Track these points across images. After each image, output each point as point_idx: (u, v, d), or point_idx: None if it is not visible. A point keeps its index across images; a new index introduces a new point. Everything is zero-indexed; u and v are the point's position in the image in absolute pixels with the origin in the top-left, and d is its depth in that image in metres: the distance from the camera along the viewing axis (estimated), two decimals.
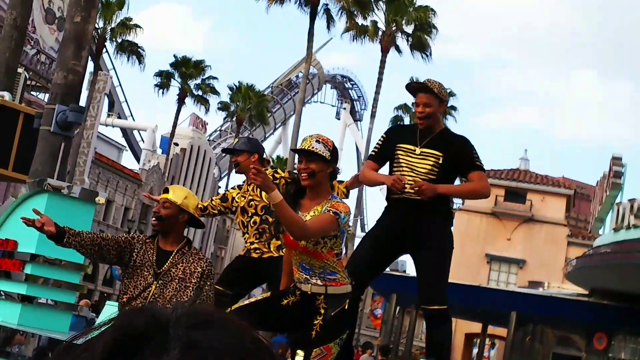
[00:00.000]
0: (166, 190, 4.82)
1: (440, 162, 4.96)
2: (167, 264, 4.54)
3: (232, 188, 6.00)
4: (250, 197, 5.79)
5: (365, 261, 5.07)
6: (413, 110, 41.69)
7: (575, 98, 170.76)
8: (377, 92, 37.37)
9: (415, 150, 5.02)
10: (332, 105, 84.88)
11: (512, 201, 36.80)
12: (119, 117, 48.97)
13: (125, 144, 51.04)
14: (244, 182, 5.94)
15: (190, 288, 4.51)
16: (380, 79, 37.01)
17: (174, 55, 44.12)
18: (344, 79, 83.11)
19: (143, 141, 50.24)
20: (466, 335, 32.05)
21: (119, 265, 4.70)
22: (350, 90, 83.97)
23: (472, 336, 32.06)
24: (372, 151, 5.25)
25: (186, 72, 43.64)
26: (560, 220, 35.30)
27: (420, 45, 37.13)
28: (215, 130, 65.56)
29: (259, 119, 49.59)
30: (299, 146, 4.52)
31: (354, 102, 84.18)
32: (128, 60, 39.01)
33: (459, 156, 5.01)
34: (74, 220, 7.64)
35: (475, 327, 28.65)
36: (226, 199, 5.87)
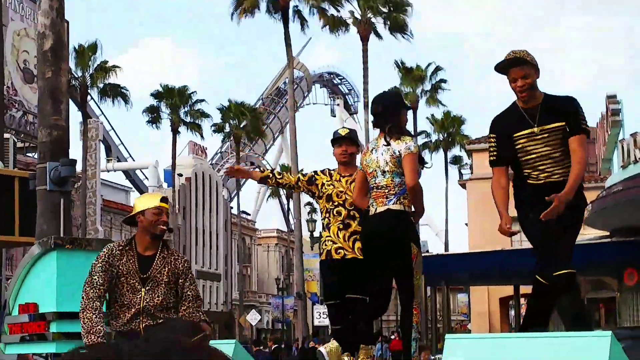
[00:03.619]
0: (164, 200, 4.99)
1: (567, 131, 4.67)
2: (151, 269, 4.77)
3: (321, 171, 5.98)
4: (340, 189, 5.83)
5: None
6: (404, 92, 41.43)
7: (569, 46, 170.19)
8: (365, 82, 37.38)
9: (534, 132, 4.73)
10: (325, 104, 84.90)
11: None
12: (119, 160, 49.15)
13: (130, 185, 51.23)
14: (334, 169, 5.97)
15: (175, 289, 4.79)
16: (365, 68, 37.02)
17: (158, 90, 44.28)
18: (332, 76, 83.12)
19: (147, 179, 50.42)
20: (500, 299, 32.01)
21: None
22: (340, 86, 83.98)
23: (506, 299, 32.00)
24: (491, 156, 4.95)
25: (173, 102, 43.76)
26: None
27: (398, 27, 37.09)
28: (217, 153, 65.73)
29: (256, 133, 49.65)
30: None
31: (346, 97, 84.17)
32: (113, 103, 39.15)
33: (568, 119, 4.67)
34: (87, 272, 7.76)
35: (508, 290, 28.62)
36: (312, 182, 5.91)
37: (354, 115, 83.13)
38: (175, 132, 44.06)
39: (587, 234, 22.77)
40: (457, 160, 47.94)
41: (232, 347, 5.97)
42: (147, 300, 4.73)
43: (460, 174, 42.98)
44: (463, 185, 37.67)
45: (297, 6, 35.04)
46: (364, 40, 36.65)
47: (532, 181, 4.74)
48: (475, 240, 32.41)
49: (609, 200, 18.56)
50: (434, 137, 47.00)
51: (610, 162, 22.39)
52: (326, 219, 5.80)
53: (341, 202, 5.76)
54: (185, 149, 53.12)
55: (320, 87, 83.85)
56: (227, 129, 47.28)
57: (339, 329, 5.62)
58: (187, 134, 47.73)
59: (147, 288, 4.74)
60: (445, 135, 46.09)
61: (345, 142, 5.87)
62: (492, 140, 4.85)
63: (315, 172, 5.96)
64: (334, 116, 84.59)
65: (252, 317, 33.99)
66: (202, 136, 46.50)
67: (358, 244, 5.61)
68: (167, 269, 4.78)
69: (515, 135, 4.71)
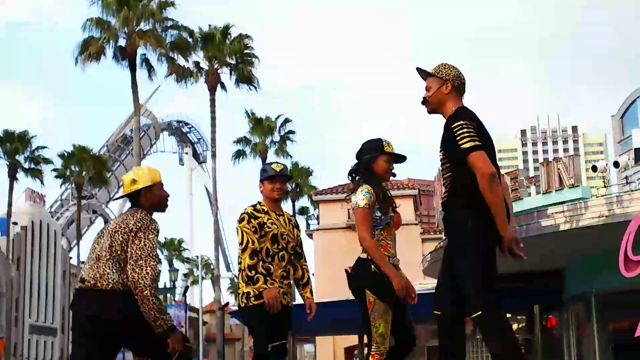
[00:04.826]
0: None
1: (446, 160, 4.35)
2: None
3: (253, 210, 5.42)
4: (282, 230, 5.43)
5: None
6: (253, 142, 41.73)
7: (412, 104, 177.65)
8: (213, 132, 37.28)
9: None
10: (174, 152, 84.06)
11: None
12: None
13: None
14: (260, 204, 5.49)
15: None
16: (213, 118, 36.96)
17: None
18: (181, 124, 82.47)
19: None
20: (345, 349, 32.42)
21: None
22: (188, 134, 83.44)
23: (351, 349, 32.44)
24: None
25: (12, 147, 41.82)
26: (411, 220, 36.47)
27: (245, 78, 37.39)
28: (56, 201, 63.19)
29: (100, 181, 48.26)
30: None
31: (195, 145, 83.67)
32: None
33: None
34: None
35: (353, 339, 29.03)
36: (257, 230, 5.35)
37: (203, 165, 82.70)
38: (12, 178, 41.96)
39: (427, 284, 23.56)
40: (304, 210, 48.54)
41: None
42: None
43: (308, 225, 43.51)
44: (310, 236, 38.14)
45: (144, 54, 34.52)
46: (212, 90, 36.66)
47: None
48: (322, 290, 32.76)
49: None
50: None
51: None
52: (267, 263, 5.34)
53: (284, 245, 5.42)
54: (22, 197, 50.62)
55: (169, 135, 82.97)
56: (70, 175, 45.66)
57: None
58: (26, 182, 45.47)
59: None
60: (294, 186, 46.68)
61: (280, 179, 5.54)
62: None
63: (251, 216, 5.41)
64: (182, 164, 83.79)
65: None
66: (42, 182, 44.52)
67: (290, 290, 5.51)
68: None
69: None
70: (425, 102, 4.46)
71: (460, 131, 4.19)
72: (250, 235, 5.32)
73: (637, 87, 28.83)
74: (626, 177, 16.17)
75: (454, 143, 4.22)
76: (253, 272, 5.27)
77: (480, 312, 4.11)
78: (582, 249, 15.87)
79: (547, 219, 15.00)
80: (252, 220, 5.36)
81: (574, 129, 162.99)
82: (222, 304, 35.16)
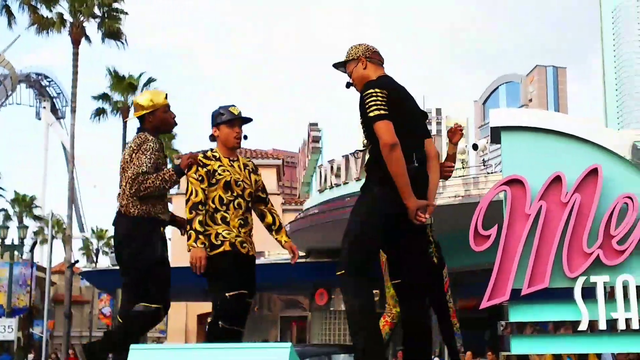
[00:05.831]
0: (166, 96, 5.20)
1: (364, 129, 4.35)
2: None
3: (204, 157, 5.02)
4: (237, 176, 5.03)
5: None
6: (114, 99, 40.27)
7: (273, 72, 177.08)
8: (74, 87, 35.85)
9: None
10: (31, 106, 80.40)
11: None
12: None
13: None
14: (212, 150, 5.10)
15: None
16: (75, 72, 35.48)
17: None
18: (40, 77, 78.82)
19: None
20: (198, 316, 32.06)
21: None
22: (48, 88, 79.90)
23: (204, 316, 32.15)
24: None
25: None
26: (273, 190, 36.38)
27: (113, 34, 36.12)
28: None
29: None
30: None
31: (54, 100, 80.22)
32: None
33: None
34: None
35: (207, 306, 28.77)
36: (203, 180, 4.95)
37: (61, 120, 79.47)
38: None
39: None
40: None
41: None
42: None
43: None
44: (169, 200, 37.40)
45: (5, 1, 32.46)
46: (75, 43, 35.12)
47: None
48: (177, 255, 32.32)
49: (306, 222, 19.33)
50: None
51: (309, 185, 23.46)
52: (222, 212, 4.96)
53: (240, 193, 5.03)
54: None
55: (27, 88, 79.12)
56: None
57: (237, 331, 4.87)
58: None
59: None
60: None
61: (239, 123, 5.12)
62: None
63: (198, 163, 5.02)
64: (40, 119, 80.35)
65: None
66: None
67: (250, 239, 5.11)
68: None
69: None
70: (350, 85, 4.53)
71: (368, 99, 4.22)
72: (195, 185, 4.96)
73: (500, 75, 29.91)
74: (484, 160, 16.67)
75: (364, 111, 4.26)
76: (188, 226, 4.97)
77: (343, 271, 4.14)
78: (437, 227, 16.26)
79: None
80: (199, 168, 5.00)
81: (438, 111, 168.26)
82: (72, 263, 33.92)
